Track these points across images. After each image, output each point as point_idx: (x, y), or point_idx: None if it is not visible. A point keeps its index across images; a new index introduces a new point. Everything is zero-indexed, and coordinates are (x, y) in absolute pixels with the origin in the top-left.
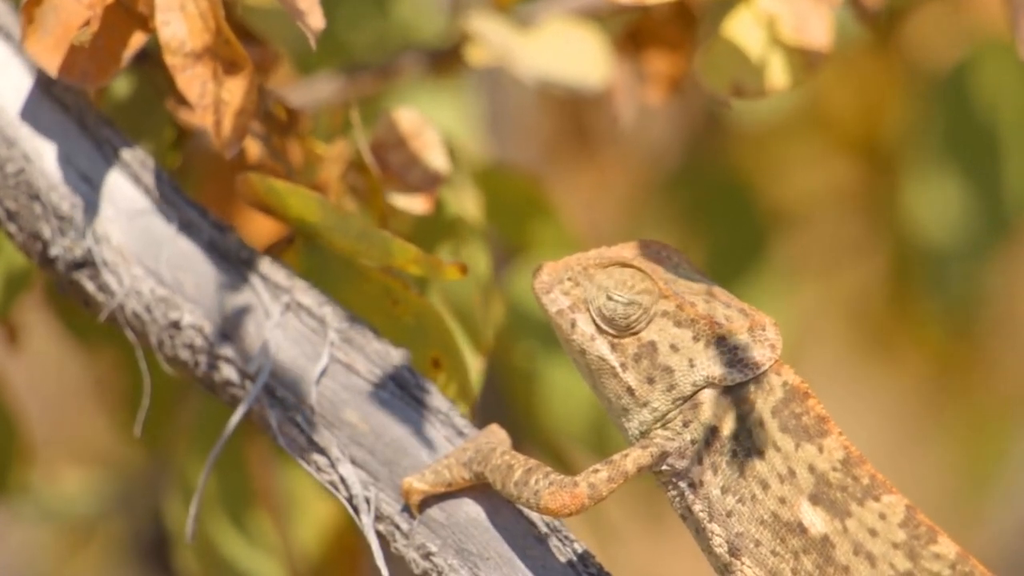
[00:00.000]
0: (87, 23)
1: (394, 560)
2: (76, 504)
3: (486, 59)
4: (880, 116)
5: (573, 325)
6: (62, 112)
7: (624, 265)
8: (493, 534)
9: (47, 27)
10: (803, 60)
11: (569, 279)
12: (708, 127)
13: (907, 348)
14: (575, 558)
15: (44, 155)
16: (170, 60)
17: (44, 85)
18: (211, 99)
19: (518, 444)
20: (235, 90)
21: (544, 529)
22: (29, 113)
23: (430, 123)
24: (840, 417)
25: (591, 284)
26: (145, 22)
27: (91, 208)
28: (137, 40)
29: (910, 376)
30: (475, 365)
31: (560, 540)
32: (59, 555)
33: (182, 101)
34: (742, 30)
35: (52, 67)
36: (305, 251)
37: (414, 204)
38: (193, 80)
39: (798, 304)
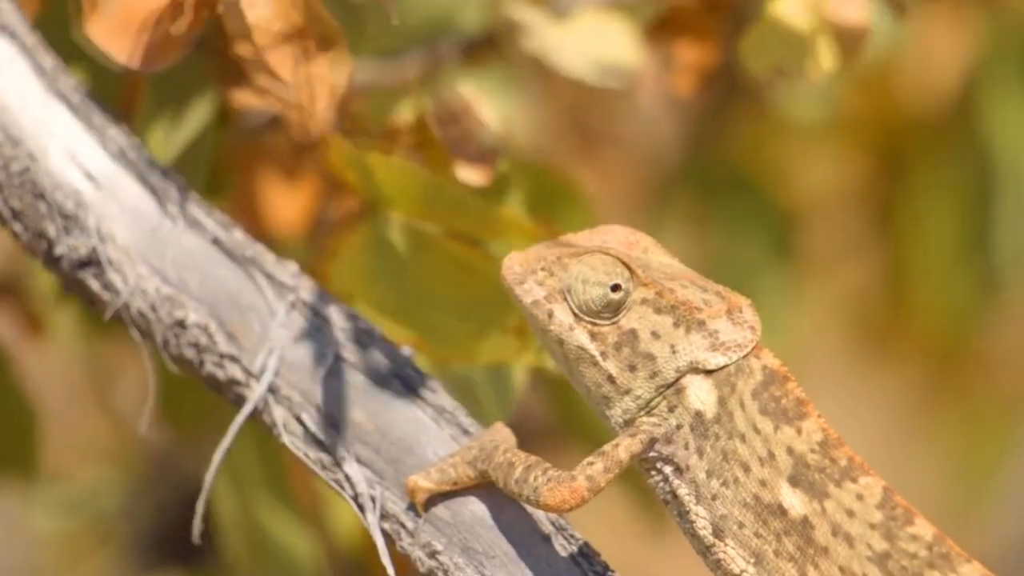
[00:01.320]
0: (164, 14)
1: (399, 559)
2: (87, 501)
3: (527, 50)
4: (891, 111)
5: (550, 315)
6: (67, 111)
7: (599, 253)
8: (498, 532)
9: (109, 11)
10: (843, 42)
11: (543, 269)
12: (714, 123)
13: (906, 347)
14: (580, 556)
15: (49, 154)
16: (259, 40)
17: (49, 84)
18: (303, 76)
19: (559, 438)
20: (328, 66)
21: (549, 527)
22: (34, 112)
23: (482, 99)
24: (838, 416)
25: (567, 274)
26: (210, 5)
27: (96, 207)
28: (202, 23)
29: (909, 375)
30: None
31: (565, 538)
32: (70, 552)
33: (234, 83)
34: (786, 13)
35: (116, 51)
36: (372, 224)
37: (475, 175)
38: (284, 59)
39: (803, 302)
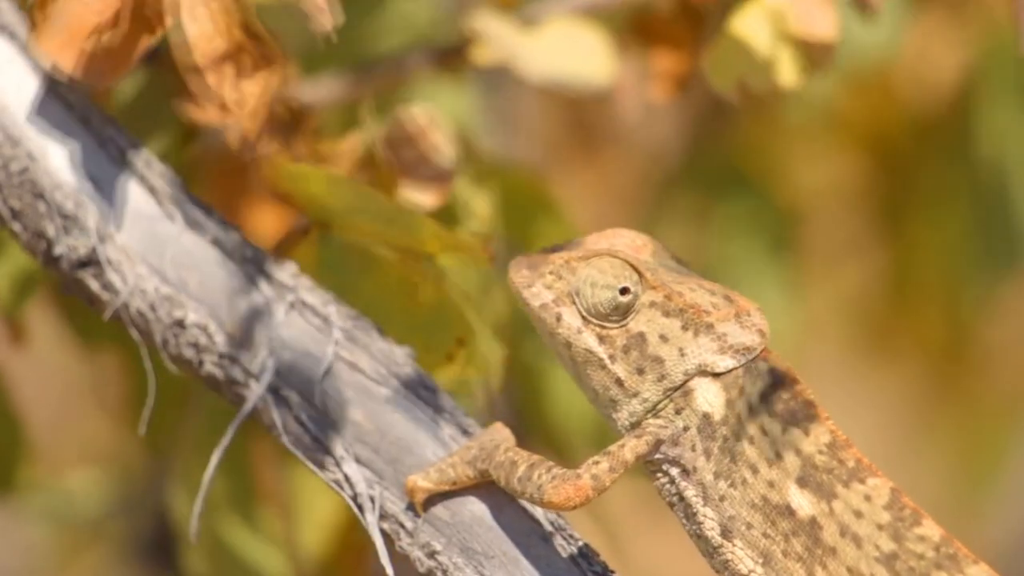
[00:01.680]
0: (103, 27)
1: (399, 559)
2: (79, 504)
3: (491, 59)
4: (890, 113)
5: (558, 319)
6: (66, 111)
7: (608, 256)
8: (498, 532)
9: (57, 26)
10: (809, 56)
11: (551, 272)
12: (714, 122)
13: (907, 347)
14: (579, 556)
15: (48, 154)
16: (187, 61)
17: (48, 84)
18: (229, 99)
19: (523, 441)
20: (255, 89)
21: (548, 527)
22: (34, 112)
23: (439, 120)
24: (838, 416)
25: (575, 277)
26: (156, 22)
27: (95, 207)
28: (148, 40)
29: (910, 375)
30: (495, 348)
31: (564, 538)
32: (62, 555)
33: (192, 99)
34: (748, 27)
35: (63, 63)
36: (320, 242)
37: (426, 198)
38: (210, 80)
39: (803, 302)
